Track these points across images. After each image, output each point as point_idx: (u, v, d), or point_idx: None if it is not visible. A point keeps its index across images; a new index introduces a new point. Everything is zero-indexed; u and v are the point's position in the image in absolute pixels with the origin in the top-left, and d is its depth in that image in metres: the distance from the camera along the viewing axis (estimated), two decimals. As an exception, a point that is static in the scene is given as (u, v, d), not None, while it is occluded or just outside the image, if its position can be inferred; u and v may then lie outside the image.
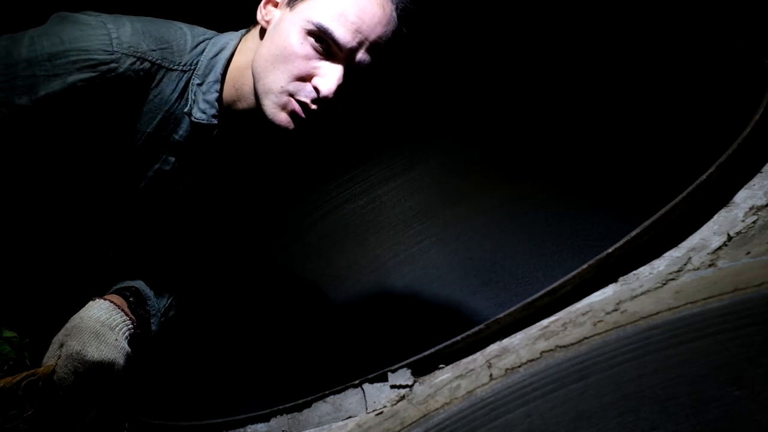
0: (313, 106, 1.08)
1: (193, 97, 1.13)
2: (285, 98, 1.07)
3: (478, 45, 1.95)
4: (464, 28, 1.96)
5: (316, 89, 1.06)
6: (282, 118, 1.08)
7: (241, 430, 0.98)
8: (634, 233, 0.86)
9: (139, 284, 1.20)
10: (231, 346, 1.67)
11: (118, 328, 1.07)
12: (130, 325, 1.10)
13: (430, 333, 1.61)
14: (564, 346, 0.76)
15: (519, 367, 0.77)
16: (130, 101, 1.09)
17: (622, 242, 0.85)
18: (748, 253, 0.78)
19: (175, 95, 1.13)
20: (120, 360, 1.05)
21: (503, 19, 1.93)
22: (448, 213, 1.89)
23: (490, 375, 0.78)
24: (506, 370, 0.77)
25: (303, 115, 1.08)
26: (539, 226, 1.76)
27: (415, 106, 1.98)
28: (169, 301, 1.28)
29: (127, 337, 1.08)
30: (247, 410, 0.99)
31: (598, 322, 0.77)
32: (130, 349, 1.07)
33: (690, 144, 1.49)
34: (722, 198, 0.92)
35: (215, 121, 1.14)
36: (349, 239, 1.91)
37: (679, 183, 0.94)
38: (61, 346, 1.03)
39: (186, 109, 1.13)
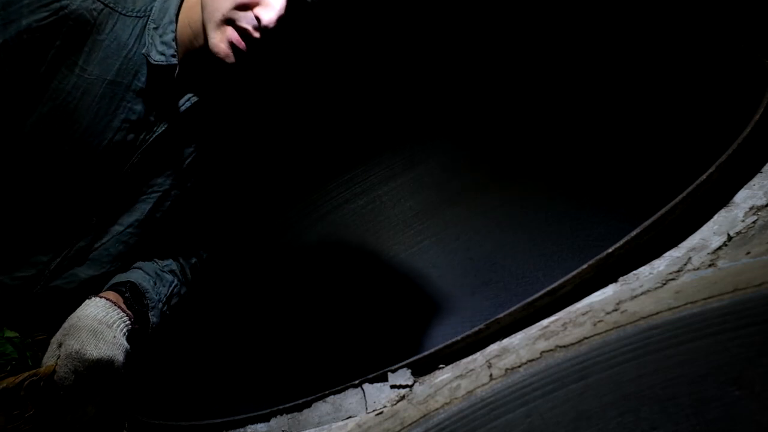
0: (255, 34, 1.05)
1: (150, 41, 1.13)
2: (226, 27, 1.06)
3: (479, 45, 1.95)
4: (464, 28, 1.96)
5: (257, 18, 1.04)
6: (222, 48, 1.07)
7: (241, 430, 0.98)
8: (634, 233, 0.86)
9: (136, 277, 1.20)
10: (231, 346, 1.67)
11: (115, 326, 1.06)
12: (128, 322, 1.10)
13: (430, 333, 1.62)
14: (564, 346, 0.76)
15: (519, 367, 0.77)
16: (85, 44, 1.09)
17: (622, 242, 0.85)
18: (748, 253, 0.78)
19: (132, 40, 1.13)
20: (119, 357, 1.05)
21: (503, 19, 1.93)
22: (448, 213, 1.89)
23: (490, 375, 0.78)
24: (506, 370, 0.78)
25: (243, 46, 1.06)
26: (539, 226, 1.76)
27: (415, 106, 1.98)
28: (171, 289, 1.26)
29: (125, 334, 1.08)
30: (247, 410, 0.99)
31: (598, 322, 0.77)
32: (128, 346, 1.07)
33: (690, 144, 1.49)
34: (722, 198, 0.92)
35: (174, 61, 1.13)
36: (349, 239, 1.91)
37: (679, 183, 0.94)
38: (60, 345, 1.03)
39: (144, 51, 1.13)
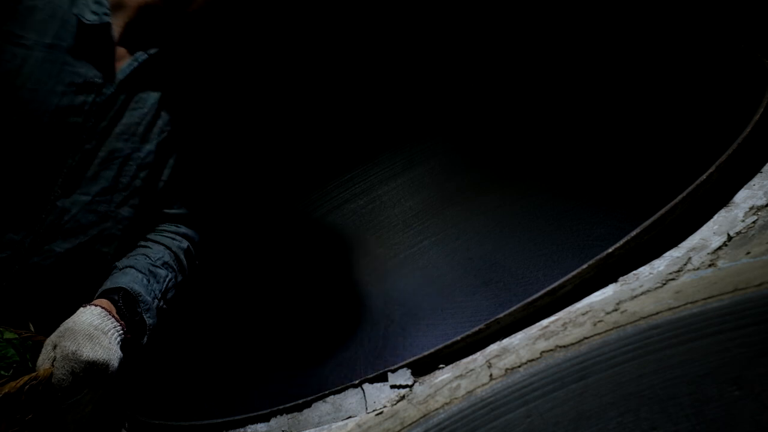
0: None
1: (83, 0, 1.14)
2: None
3: (478, 46, 1.95)
4: (464, 29, 1.96)
5: None
6: None
7: (241, 430, 0.98)
8: (634, 233, 0.86)
9: (127, 281, 1.19)
10: (231, 346, 1.67)
11: (110, 333, 1.07)
12: (121, 331, 1.10)
13: (430, 333, 1.62)
14: (564, 346, 0.76)
15: (519, 367, 0.77)
16: (17, 11, 1.09)
17: (622, 242, 0.85)
18: (748, 253, 0.78)
19: (66, 1, 1.14)
20: (114, 362, 1.06)
21: (503, 20, 1.93)
22: (448, 213, 1.89)
23: (490, 375, 0.78)
24: (506, 370, 0.78)
25: None
26: (539, 226, 1.75)
27: (415, 106, 1.98)
28: (166, 284, 1.25)
29: (118, 342, 1.08)
30: (247, 410, 0.99)
31: (598, 322, 0.77)
32: (121, 354, 1.08)
33: (690, 144, 1.49)
34: (722, 198, 0.92)
35: (108, 20, 1.14)
36: (349, 239, 1.91)
37: (679, 183, 0.94)
38: (55, 347, 1.03)
39: (75, 12, 1.13)
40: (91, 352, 1.02)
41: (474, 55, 1.96)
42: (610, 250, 0.85)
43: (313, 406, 0.93)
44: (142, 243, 1.30)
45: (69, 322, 1.07)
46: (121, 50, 1.21)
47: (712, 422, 0.67)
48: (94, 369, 1.03)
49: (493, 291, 1.70)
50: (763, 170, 0.96)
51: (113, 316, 1.11)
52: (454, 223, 1.88)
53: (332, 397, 0.91)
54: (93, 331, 1.05)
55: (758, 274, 0.73)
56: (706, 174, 0.89)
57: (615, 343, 0.73)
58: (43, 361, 1.03)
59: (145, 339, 1.18)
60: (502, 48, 1.93)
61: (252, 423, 0.98)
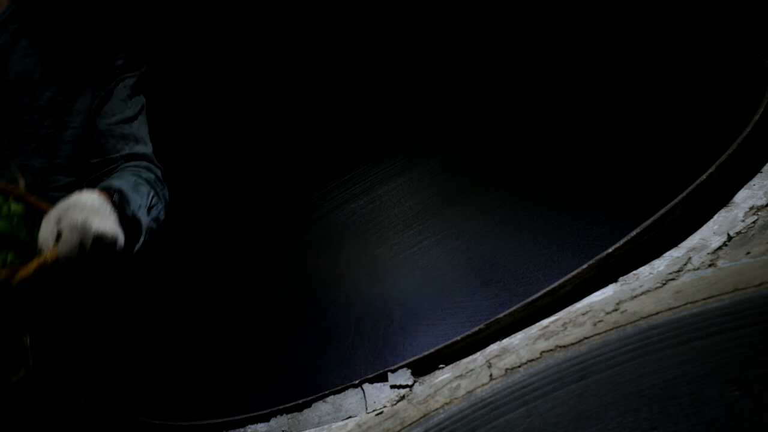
0: None
1: None
2: None
3: (478, 46, 1.95)
4: (464, 29, 1.96)
5: None
6: None
7: (241, 430, 0.98)
8: (634, 233, 0.86)
9: (115, 184, 1.14)
10: (232, 346, 1.67)
11: (113, 214, 1.03)
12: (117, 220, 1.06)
13: (430, 333, 1.62)
14: (564, 346, 0.76)
15: (519, 367, 0.77)
16: None
17: (622, 242, 0.85)
18: (748, 253, 0.78)
19: None
20: (120, 239, 1.00)
21: (503, 20, 1.93)
22: (448, 213, 1.89)
23: (490, 375, 0.78)
24: (506, 370, 0.78)
25: None
26: (539, 226, 1.75)
27: (415, 106, 1.98)
28: (149, 199, 1.20)
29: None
30: (247, 410, 0.99)
31: (598, 322, 0.77)
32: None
33: (690, 144, 1.49)
34: (722, 198, 0.92)
35: None
36: (349, 239, 1.91)
37: (679, 183, 0.94)
38: (59, 221, 0.98)
39: None
40: (100, 223, 0.98)
41: (474, 55, 1.96)
42: (610, 250, 0.85)
43: (313, 406, 0.93)
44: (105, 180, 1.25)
45: (71, 199, 1.02)
46: None
47: (712, 422, 0.67)
48: (103, 243, 0.98)
49: (493, 291, 1.69)
50: (763, 170, 0.96)
51: (110, 204, 1.07)
52: (454, 223, 1.88)
53: (332, 397, 0.91)
54: (99, 206, 1.01)
55: (758, 274, 0.73)
56: (706, 174, 0.89)
57: (615, 343, 0.73)
58: (46, 237, 0.97)
59: (138, 245, 1.14)
60: (502, 48, 1.93)
61: (252, 423, 0.98)
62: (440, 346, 0.87)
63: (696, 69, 1.55)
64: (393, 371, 0.88)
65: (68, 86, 1.22)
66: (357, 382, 0.90)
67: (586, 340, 0.75)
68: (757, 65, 1.23)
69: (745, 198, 0.91)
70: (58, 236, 0.96)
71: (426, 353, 0.87)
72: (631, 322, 0.74)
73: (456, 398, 0.78)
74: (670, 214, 0.87)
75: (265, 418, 0.96)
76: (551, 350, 0.76)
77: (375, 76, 1.98)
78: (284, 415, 0.95)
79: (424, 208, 1.93)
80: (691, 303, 0.73)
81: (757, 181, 0.93)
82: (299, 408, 0.94)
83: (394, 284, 1.82)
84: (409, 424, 0.78)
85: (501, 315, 0.85)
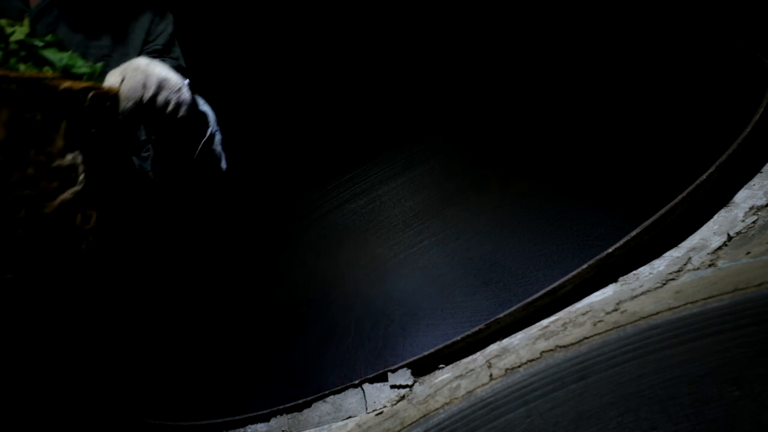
0: None
1: None
2: None
3: (478, 46, 1.95)
4: (464, 29, 1.96)
5: None
6: None
7: (241, 430, 0.98)
8: (634, 233, 0.86)
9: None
10: (231, 346, 1.67)
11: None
12: None
13: (430, 333, 1.62)
14: (564, 346, 0.76)
15: (519, 367, 0.77)
16: None
17: (622, 242, 0.85)
18: (748, 253, 0.78)
19: None
20: (186, 92, 0.97)
21: (503, 20, 1.93)
22: (448, 213, 1.89)
23: (490, 375, 0.78)
24: (506, 370, 0.78)
25: None
26: (539, 226, 1.75)
27: (415, 106, 1.98)
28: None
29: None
30: (247, 410, 0.99)
31: (598, 322, 0.77)
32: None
33: (690, 144, 1.49)
34: (722, 198, 0.92)
35: None
36: (349, 239, 1.91)
37: (679, 183, 0.94)
38: (123, 70, 0.94)
39: None
40: (162, 69, 0.96)
41: (474, 55, 1.96)
42: (610, 250, 0.85)
43: (313, 406, 0.93)
44: None
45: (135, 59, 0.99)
46: None
47: (712, 422, 0.67)
48: (167, 87, 0.95)
49: (493, 291, 1.70)
50: (763, 170, 0.96)
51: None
52: (454, 223, 1.88)
53: (332, 397, 0.91)
54: (163, 64, 0.99)
55: (758, 274, 0.73)
56: (706, 174, 0.89)
57: (615, 343, 0.73)
58: (111, 85, 0.93)
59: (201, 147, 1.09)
60: (502, 48, 1.93)
61: (252, 423, 0.98)
62: (440, 346, 0.87)
63: (696, 69, 1.55)
64: (393, 371, 0.88)
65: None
66: (357, 382, 0.90)
67: (586, 340, 0.75)
68: (757, 65, 1.23)
69: (745, 198, 0.91)
70: (122, 82, 0.93)
71: (426, 353, 0.87)
72: (631, 322, 0.74)
73: (456, 398, 0.78)
74: (670, 214, 0.87)
75: (265, 418, 0.96)
76: (551, 350, 0.76)
77: (375, 76, 1.98)
78: (284, 415, 0.95)
79: (424, 208, 1.93)
80: (691, 303, 0.73)
81: (757, 181, 0.93)
82: (299, 408, 0.94)
83: (394, 284, 1.82)
84: (409, 424, 0.78)
85: (501, 315, 0.85)
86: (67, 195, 0.83)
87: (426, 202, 1.93)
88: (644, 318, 0.74)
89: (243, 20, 1.91)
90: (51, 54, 0.91)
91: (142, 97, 0.92)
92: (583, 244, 1.66)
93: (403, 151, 1.98)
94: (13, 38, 0.87)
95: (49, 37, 0.95)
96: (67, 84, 0.81)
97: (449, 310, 1.70)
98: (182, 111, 0.99)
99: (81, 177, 0.84)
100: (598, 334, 0.75)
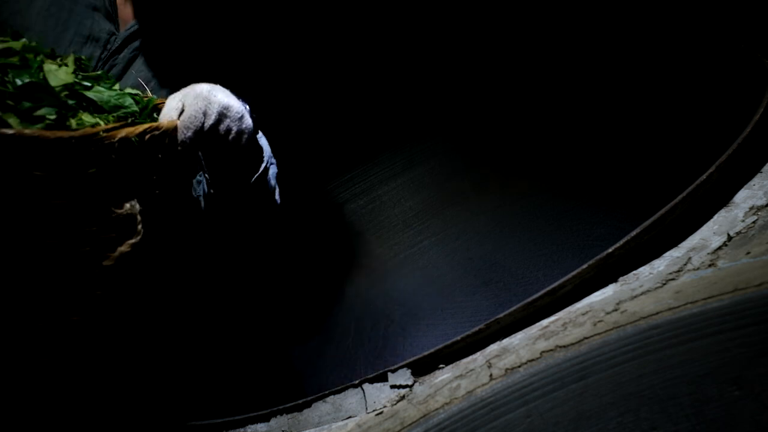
0: None
1: None
2: None
3: (478, 46, 1.95)
4: (464, 29, 1.96)
5: None
6: None
7: (241, 430, 0.98)
8: (634, 233, 0.86)
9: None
10: (231, 346, 1.67)
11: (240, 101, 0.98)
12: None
13: (430, 333, 1.62)
14: (564, 346, 0.76)
15: (519, 367, 0.77)
16: None
17: (622, 242, 0.85)
18: (748, 253, 0.78)
19: None
20: (248, 120, 0.93)
21: (503, 19, 1.93)
22: (448, 213, 1.89)
23: (490, 375, 0.78)
24: (506, 370, 0.78)
25: None
26: (539, 226, 1.76)
27: (415, 106, 1.98)
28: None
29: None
30: (247, 410, 0.99)
31: (598, 322, 0.77)
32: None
33: (690, 144, 1.49)
34: (722, 198, 0.92)
35: None
36: (349, 239, 1.91)
37: (679, 183, 0.94)
38: (184, 96, 0.90)
39: None
40: (224, 96, 0.92)
41: (474, 55, 1.96)
42: (610, 250, 0.85)
43: (313, 406, 0.93)
44: None
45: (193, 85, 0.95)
46: (127, 9, 1.20)
47: (712, 422, 0.67)
48: (229, 115, 0.91)
49: (493, 291, 1.70)
50: (763, 170, 0.96)
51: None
52: (454, 223, 1.88)
53: (332, 397, 0.91)
54: (225, 90, 0.95)
55: (758, 274, 0.73)
56: (706, 174, 0.89)
57: (615, 343, 0.73)
58: (169, 111, 0.89)
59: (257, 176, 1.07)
60: (502, 48, 1.93)
61: (252, 423, 0.98)
62: (440, 346, 0.87)
63: (696, 69, 1.55)
64: (393, 371, 0.88)
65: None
66: (357, 382, 0.90)
67: (586, 340, 0.75)
68: (757, 65, 1.23)
69: (745, 198, 0.91)
70: (182, 111, 0.89)
71: (426, 353, 0.87)
72: (631, 322, 0.74)
73: (456, 398, 0.78)
74: (670, 214, 0.87)
75: (265, 418, 0.96)
76: (551, 350, 0.76)
77: (375, 76, 1.98)
78: (284, 415, 0.95)
79: (424, 208, 1.93)
80: (691, 303, 0.73)
81: (757, 181, 0.93)
82: (299, 408, 0.94)
83: (394, 284, 1.82)
84: (409, 424, 0.78)
85: (501, 315, 0.85)
86: (125, 248, 0.80)
87: (426, 202, 1.93)
88: (644, 318, 0.74)
89: (242, 20, 1.91)
90: (98, 94, 0.86)
91: (203, 125, 0.89)
92: (583, 244, 1.66)
93: (403, 151, 1.98)
94: (58, 82, 0.82)
95: (99, 72, 0.93)
96: (122, 134, 0.78)
97: (449, 310, 1.70)
98: (243, 140, 0.95)
99: (139, 227, 0.81)
100: (598, 334, 0.75)
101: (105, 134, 0.75)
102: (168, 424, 1.10)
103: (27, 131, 0.69)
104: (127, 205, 0.79)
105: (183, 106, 0.90)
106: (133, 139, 0.79)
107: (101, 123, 0.81)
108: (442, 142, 1.99)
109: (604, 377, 0.72)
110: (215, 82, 1.08)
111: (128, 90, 0.91)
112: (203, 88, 0.91)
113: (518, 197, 1.84)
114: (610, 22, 1.81)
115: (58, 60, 0.89)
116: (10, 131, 0.67)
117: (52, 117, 0.76)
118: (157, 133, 0.82)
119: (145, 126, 0.81)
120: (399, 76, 1.98)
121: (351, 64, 1.97)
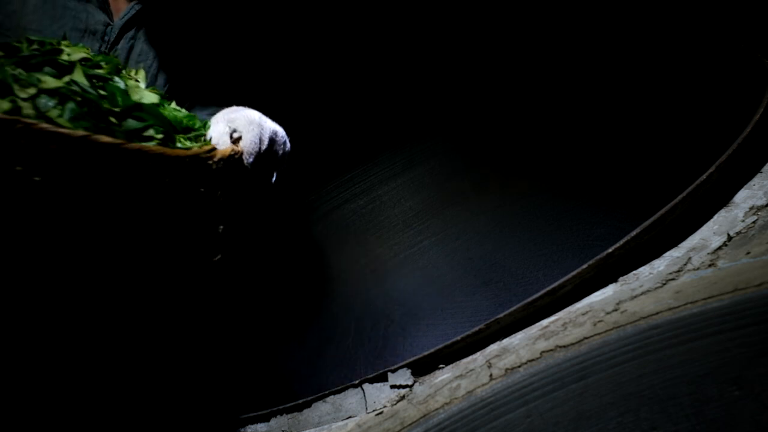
0: None
1: None
2: None
3: (478, 46, 1.95)
4: (464, 29, 1.96)
5: None
6: None
7: (241, 430, 0.98)
8: (634, 233, 0.86)
9: None
10: (231, 346, 1.67)
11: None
12: None
13: (430, 333, 1.62)
14: (564, 346, 0.76)
15: (519, 367, 0.77)
16: None
17: (622, 242, 0.85)
18: (748, 253, 0.78)
19: None
20: (288, 142, 1.03)
21: (503, 19, 1.93)
22: (448, 213, 1.89)
23: (490, 375, 0.78)
24: (506, 370, 0.78)
25: None
26: (539, 226, 1.75)
27: (415, 106, 1.98)
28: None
29: None
30: (247, 410, 0.99)
31: (598, 322, 0.77)
32: None
33: (690, 144, 1.49)
34: (722, 198, 0.92)
35: None
36: (349, 239, 1.91)
37: (679, 183, 0.94)
38: (231, 121, 0.95)
39: None
40: (271, 122, 1.00)
41: (474, 55, 1.96)
42: (610, 250, 0.85)
43: (313, 406, 0.93)
44: None
45: (232, 107, 1.02)
46: None
47: (712, 422, 0.67)
48: (277, 139, 0.99)
49: (493, 291, 1.70)
50: (763, 170, 0.96)
51: None
52: (454, 223, 1.88)
53: (332, 397, 0.91)
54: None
55: (758, 274, 0.73)
56: (706, 174, 0.89)
57: (615, 343, 0.73)
58: (221, 136, 0.93)
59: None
60: (502, 48, 1.93)
61: (252, 423, 0.98)
62: (440, 346, 0.87)
63: (696, 69, 1.55)
64: (393, 371, 0.88)
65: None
66: (357, 382, 0.90)
67: (586, 340, 0.75)
68: (757, 65, 1.23)
69: (745, 198, 0.91)
70: (232, 134, 0.94)
71: (426, 353, 0.87)
72: (631, 322, 0.74)
73: (456, 398, 0.78)
74: (670, 214, 0.87)
75: (265, 418, 0.96)
76: (551, 350, 0.76)
77: (375, 76, 1.98)
78: (284, 415, 0.95)
79: (424, 208, 1.93)
80: (691, 303, 0.73)
81: (757, 181, 0.93)
82: (299, 408, 0.94)
83: (394, 284, 1.82)
84: (409, 424, 0.78)
85: (501, 315, 0.85)
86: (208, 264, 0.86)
87: (426, 202, 1.93)
88: (644, 318, 0.74)
89: (242, 20, 1.91)
90: (172, 113, 0.88)
91: (260, 150, 0.96)
92: (583, 244, 1.66)
93: (403, 151, 1.98)
94: (150, 101, 0.84)
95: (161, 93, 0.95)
96: (219, 155, 0.82)
97: (449, 310, 1.70)
98: (285, 160, 1.05)
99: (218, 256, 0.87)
100: (598, 334, 0.75)
101: (206, 155, 0.80)
102: (168, 425, 1.10)
103: (153, 147, 0.73)
104: (220, 228, 0.86)
105: (233, 130, 0.95)
106: (220, 161, 0.83)
107: (194, 145, 0.85)
108: (442, 142, 1.99)
109: (604, 377, 0.72)
110: (218, 67, 1.13)
111: (183, 110, 0.95)
112: (254, 115, 0.98)
113: (518, 197, 1.84)
114: (610, 22, 1.81)
115: (126, 72, 0.91)
116: (151, 146, 0.72)
117: (159, 137, 0.79)
118: (236, 157, 0.87)
119: (230, 150, 0.86)
120: (399, 76, 1.98)
121: (351, 65, 1.97)
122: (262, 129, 0.96)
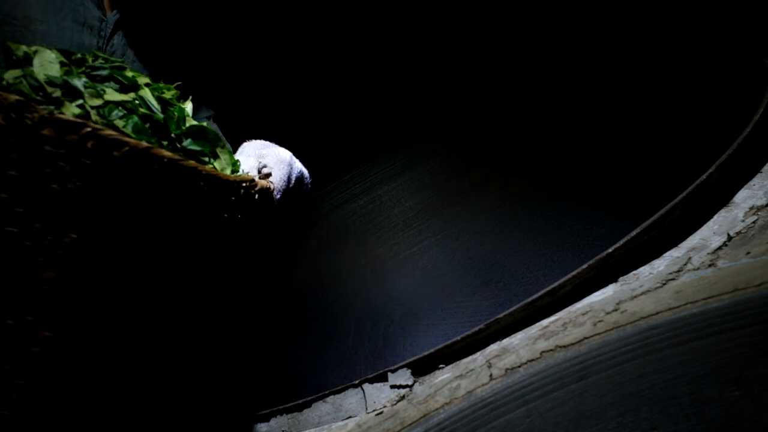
0: None
1: None
2: None
3: (478, 46, 1.95)
4: (464, 29, 1.96)
5: None
6: None
7: (242, 430, 0.98)
8: (634, 233, 0.86)
9: None
10: (230, 347, 1.67)
11: None
12: None
13: (430, 333, 1.62)
14: (564, 346, 0.76)
15: (519, 367, 0.77)
16: None
17: (622, 242, 0.85)
18: (748, 253, 0.78)
19: None
20: (310, 181, 1.09)
21: (503, 19, 1.93)
22: (448, 213, 1.89)
23: (490, 375, 0.78)
24: (506, 370, 0.78)
25: None
26: (539, 226, 1.75)
27: (415, 106, 1.98)
28: None
29: None
30: (247, 410, 0.99)
31: (598, 322, 0.77)
32: None
33: (690, 144, 1.49)
34: (722, 198, 0.92)
35: None
36: (349, 239, 1.91)
37: (679, 183, 0.94)
38: (261, 156, 1.00)
39: None
40: (298, 163, 1.04)
41: (474, 55, 1.96)
42: (610, 250, 0.85)
43: (313, 406, 0.93)
44: None
45: (260, 141, 1.05)
46: None
47: (712, 422, 0.67)
48: (301, 180, 1.03)
49: (493, 291, 1.70)
50: (763, 170, 0.96)
51: None
52: (454, 223, 1.88)
53: (332, 397, 0.91)
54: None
55: (758, 274, 0.73)
56: (706, 174, 0.89)
57: (615, 343, 0.73)
58: (250, 169, 0.97)
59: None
60: (502, 48, 1.93)
61: (252, 423, 0.98)
62: (440, 346, 0.87)
63: (696, 69, 1.55)
64: (393, 371, 0.88)
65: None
66: (357, 382, 0.90)
67: (586, 340, 0.75)
68: (757, 65, 1.23)
69: (745, 198, 0.91)
70: (261, 170, 0.98)
71: (426, 353, 0.87)
72: (631, 322, 0.74)
73: (456, 398, 0.78)
74: (670, 214, 0.87)
75: (265, 418, 0.96)
76: (551, 350, 0.76)
77: (375, 76, 1.98)
78: (284, 415, 0.95)
79: (424, 208, 1.93)
80: (691, 303, 0.73)
81: (757, 181, 0.93)
82: (299, 408, 0.94)
83: (394, 284, 1.82)
84: (409, 424, 0.78)
85: (501, 315, 0.85)
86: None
87: (426, 202, 1.93)
88: (644, 318, 0.74)
89: (242, 20, 1.91)
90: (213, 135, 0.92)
91: (287, 187, 1.00)
92: (583, 244, 1.66)
93: (403, 151, 1.98)
94: (210, 129, 0.88)
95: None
96: (260, 185, 0.88)
97: (449, 310, 1.70)
98: (305, 196, 1.11)
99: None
100: (598, 334, 0.75)
101: (249, 185, 0.86)
102: (168, 425, 1.10)
103: (207, 168, 0.78)
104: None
105: (263, 166, 1.00)
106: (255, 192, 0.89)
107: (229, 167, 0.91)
108: (442, 142, 1.99)
109: (604, 377, 0.72)
110: (205, 71, 1.14)
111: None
112: (285, 155, 1.02)
113: (518, 197, 1.84)
114: (610, 22, 1.81)
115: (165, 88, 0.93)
116: (206, 167, 0.78)
117: (206, 159, 0.85)
118: (269, 191, 0.93)
119: (266, 184, 0.91)
120: (399, 76, 1.98)
121: (351, 64, 1.97)
122: (291, 168, 1.01)
